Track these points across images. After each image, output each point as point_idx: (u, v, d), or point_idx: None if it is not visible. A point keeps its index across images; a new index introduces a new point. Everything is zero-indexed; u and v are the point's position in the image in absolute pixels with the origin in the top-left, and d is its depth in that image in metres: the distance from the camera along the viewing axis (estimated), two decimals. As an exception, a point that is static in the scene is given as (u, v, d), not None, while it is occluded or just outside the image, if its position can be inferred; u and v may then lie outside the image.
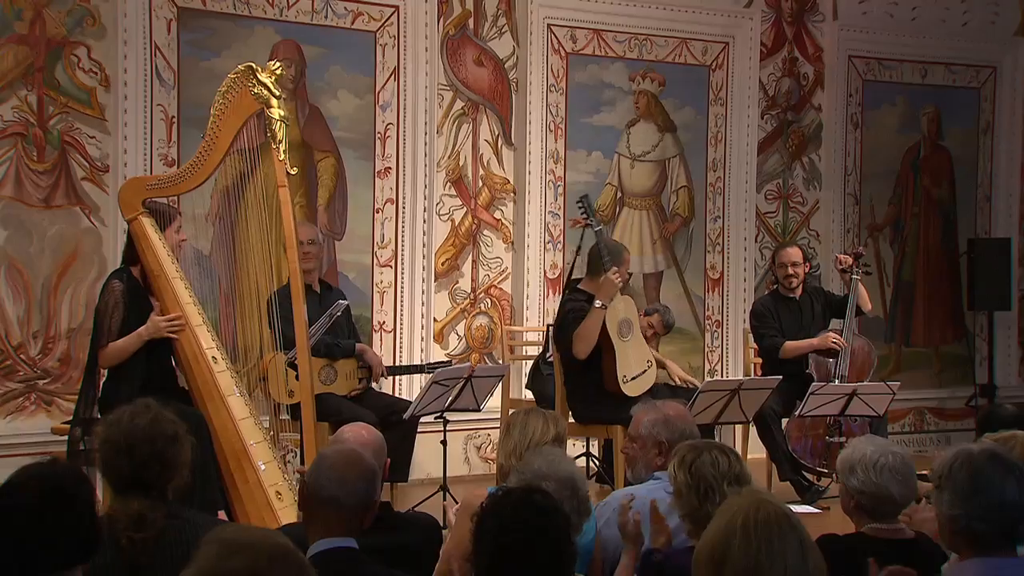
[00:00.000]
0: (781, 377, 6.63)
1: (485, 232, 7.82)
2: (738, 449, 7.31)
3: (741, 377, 7.39)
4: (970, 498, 2.81)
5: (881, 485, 3.39)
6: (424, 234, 7.52)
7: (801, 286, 7.31)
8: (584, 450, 7.37)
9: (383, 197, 7.46)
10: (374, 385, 6.48)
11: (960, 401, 9.32)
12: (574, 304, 6.40)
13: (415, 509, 5.65)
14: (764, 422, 6.80)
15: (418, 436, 6.38)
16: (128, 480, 3.16)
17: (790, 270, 7.24)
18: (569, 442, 7.03)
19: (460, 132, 7.72)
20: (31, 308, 6.47)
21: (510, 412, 6.60)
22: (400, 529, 3.57)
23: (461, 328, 7.76)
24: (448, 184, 7.68)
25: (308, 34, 7.21)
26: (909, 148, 9.32)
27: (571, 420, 6.61)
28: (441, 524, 3.85)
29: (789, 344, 7.07)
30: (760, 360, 7.54)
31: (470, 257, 7.78)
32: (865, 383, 6.84)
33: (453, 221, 7.71)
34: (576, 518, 3.40)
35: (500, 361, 7.63)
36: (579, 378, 6.45)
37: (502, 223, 7.87)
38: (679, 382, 7.15)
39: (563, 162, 8.02)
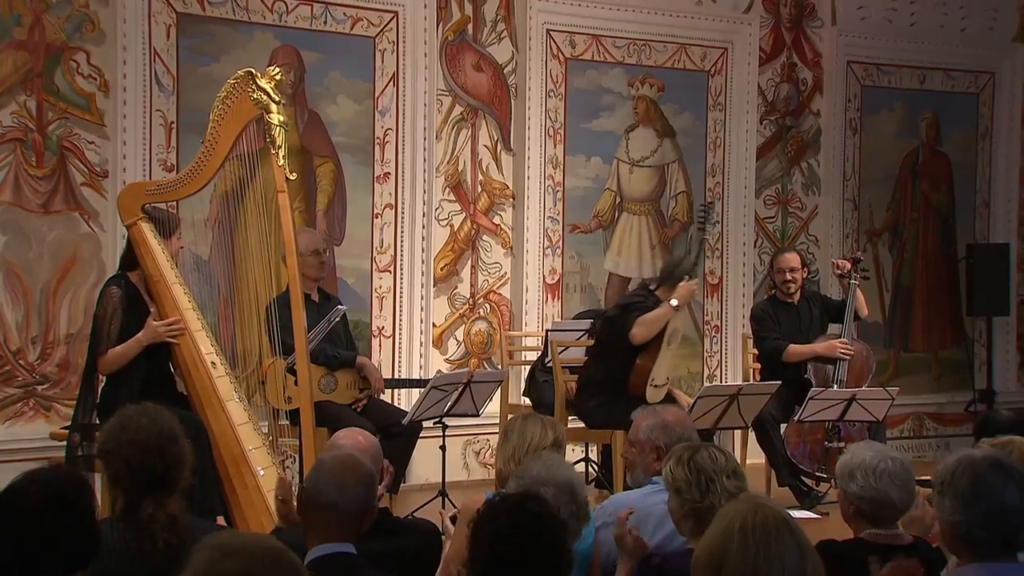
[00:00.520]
0: (780, 383, 6.63)
1: (484, 237, 7.83)
2: (737, 454, 7.33)
3: (740, 383, 7.38)
4: (971, 504, 2.81)
5: (881, 491, 3.38)
6: (423, 239, 7.52)
7: (799, 291, 7.31)
8: (583, 455, 7.37)
9: (382, 202, 7.46)
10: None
11: (959, 406, 9.32)
12: (643, 302, 6.58)
13: (414, 515, 5.65)
14: (763, 427, 6.80)
15: (417, 441, 6.37)
16: (158, 480, 3.12)
17: (788, 275, 7.24)
18: (568, 447, 7.06)
19: (459, 137, 7.72)
20: (30, 313, 6.47)
21: (508, 417, 6.59)
22: (399, 535, 3.57)
23: (460, 333, 7.76)
24: (447, 189, 7.69)
25: (307, 39, 7.21)
26: (908, 153, 9.33)
27: (569, 425, 6.62)
28: (440, 530, 3.84)
29: (794, 347, 7.05)
30: (759, 365, 7.54)
31: (469, 262, 7.79)
32: (864, 388, 6.84)
33: (452, 226, 7.71)
34: (575, 523, 3.39)
35: (499, 366, 7.63)
36: (604, 369, 6.52)
37: (501, 228, 7.87)
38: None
39: (562, 167, 8.02)
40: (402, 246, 7.49)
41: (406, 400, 7.13)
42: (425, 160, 7.52)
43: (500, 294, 7.88)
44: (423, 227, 7.52)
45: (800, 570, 2.39)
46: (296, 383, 5.44)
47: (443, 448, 6.16)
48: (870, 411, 6.62)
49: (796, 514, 6.02)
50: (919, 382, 9.26)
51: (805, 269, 7.44)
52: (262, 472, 5.16)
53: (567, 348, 6.95)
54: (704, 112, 8.52)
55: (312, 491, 3.09)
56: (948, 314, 9.42)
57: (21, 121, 6.43)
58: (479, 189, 7.80)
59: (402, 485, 6.46)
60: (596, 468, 7.23)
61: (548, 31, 7.94)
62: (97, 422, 5.19)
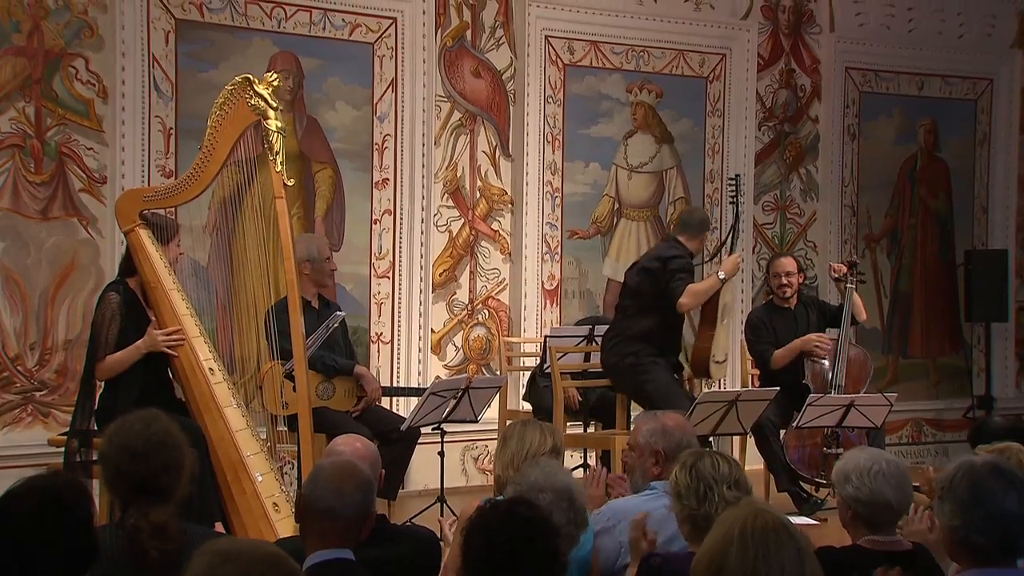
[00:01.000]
0: (778, 388, 6.63)
1: (483, 243, 7.83)
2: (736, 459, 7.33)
3: (739, 389, 7.38)
4: (970, 509, 2.81)
5: (876, 491, 3.39)
6: (422, 245, 7.53)
7: (796, 296, 7.32)
8: (582, 461, 7.37)
9: (380, 208, 7.46)
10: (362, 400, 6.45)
11: (958, 413, 9.32)
12: (683, 257, 6.54)
13: (412, 521, 5.65)
14: (762, 432, 6.80)
15: (416, 447, 6.37)
16: (138, 486, 3.12)
17: (783, 280, 7.25)
18: (567, 452, 7.05)
19: (458, 143, 7.73)
20: (28, 320, 6.47)
21: (507, 423, 6.59)
22: (397, 541, 3.56)
23: (459, 339, 7.76)
24: (446, 195, 7.69)
25: (306, 46, 7.22)
26: (906, 160, 9.34)
27: (568, 431, 6.61)
28: (439, 536, 3.84)
29: (778, 353, 7.07)
30: (758, 371, 7.54)
31: (468, 268, 7.79)
32: (862, 394, 6.84)
33: (451, 232, 7.71)
34: (573, 530, 3.39)
35: (498, 372, 7.63)
36: (643, 323, 6.51)
37: (500, 234, 7.87)
38: None
39: (561, 173, 8.03)
40: (401, 252, 7.49)
41: (404, 406, 7.12)
42: (424, 166, 7.52)
43: (499, 300, 7.88)
44: (422, 233, 7.52)
45: (799, 575, 2.39)
46: (294, 389, 5.44)
47: (441, 454, 6.16)
48: (868, 417, 6.62)
49: (795, 520, 6.01)
50: (917, 388, 9.26)
51: (801, 274, 7.45)
52: (260, 478, 5.15)
53: (566, 354, 6.95)
54: (702, 118, 8.52)
55: (310, 497, 3.09)
56: (946, 320, 9.42)
57: (20, 127, 6.43)
58: (478, 195, 7.80)
59: (400, 491, 6.46)
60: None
61: (547, 37, 7.95)
62: (95, 428, 5.19)
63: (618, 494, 4.22)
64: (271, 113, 5.27)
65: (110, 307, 5.29)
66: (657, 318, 6.52)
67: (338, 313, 6.27)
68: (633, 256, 8.16)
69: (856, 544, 3.45)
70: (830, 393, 6.90)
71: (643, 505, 3.83)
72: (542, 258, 7.93)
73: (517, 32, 7.87)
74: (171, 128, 6.78)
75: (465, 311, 7.78)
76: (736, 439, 7.29)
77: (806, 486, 6.90)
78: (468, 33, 7.74)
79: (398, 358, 7.46)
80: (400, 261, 7.49)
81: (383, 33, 7.45)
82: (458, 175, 7.73)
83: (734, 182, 7.24)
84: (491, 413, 6.72)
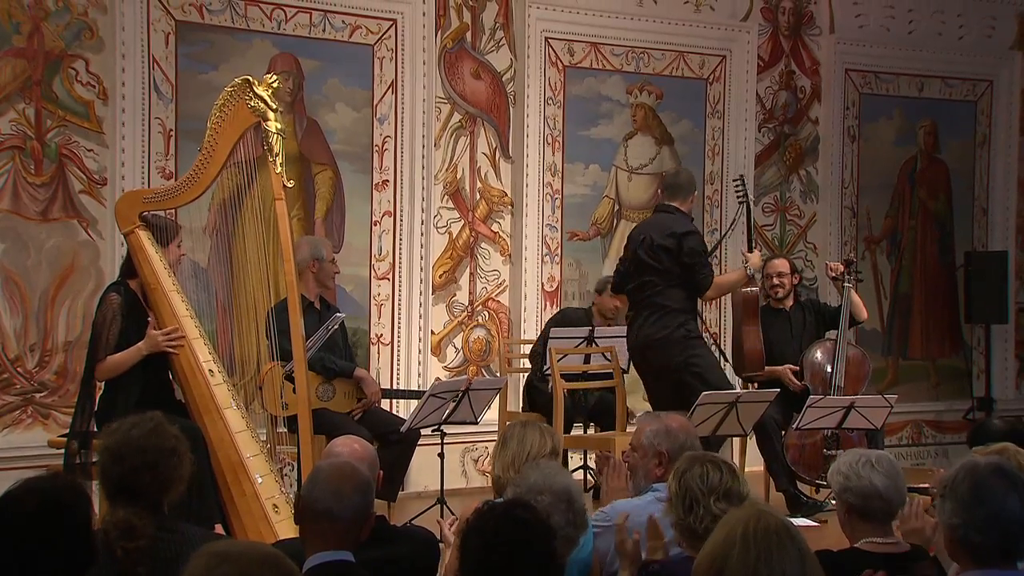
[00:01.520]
0: (778, 390, 6.65)
1: (483, 245, 7.83)
2: (735, 461, 7.33)
3: (739, 390, 7.38)
4: (971, 509, 2.81)
5: (864, 478, 3.41)
6: (422, 247, 7.53)
7: (791, 297, 7.33)
8: (582, 463, 7.36)
9: (380, 210, 7.46)
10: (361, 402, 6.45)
11: (958, 414, 9.32)
12: (696, 237, 6.55)
13: (412, 522, 5.64)
14: (764, 431, 6.80)
15: (416, 449, 6.37)
16: (117, 487, 3.17)
17: (775, 280, 7.28)
18: (568, 454, 7.06)
19: (458, 145, 7.73)
20: (28, 321, 6.47)
21: (506, 425, 6.59)
22: (397, 542, 3.56)
23: (459, 341, 7.76)
24: (446, 197, 7.69)
25: (306, 47, 7.22)
26: (906, 161, 9.34)
27: (573, 431, 6.60)
28: (439, 538, 3.84)
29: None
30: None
31: (468, 270, 7.79)
32: (862, 396, 6.85)
33: (451, 234, 7.71)
34: (572, 531, 3.39)
35: (497, 374, 7.63)
36: (668, 297, 6.48)
37: (500, 236, 7.87)
38: None
39: (561, 175, 8.03)
40: (400, 254, 7.49)
41: (404, 408, 7.12)
42: (423, 168, 7.52)
43: (499, 301, 7.88)
44: (421, 235, 7.52)
45: (801, 577, 2.40)
46: (294, 390, 5.44)
47: (441, 456, 6.16)
48: (868, 419, 6.62)
49: (796, 522, 6.02)
50: (917, 390, 9.26)
51: (796, 276, 7.48)
52: (260, 480, 5.15)
53: (566, 355, 6.95)
54: (702, 120, 8.53)
55: (308, 499, 3.09)
56: (946, 322, 9.42)
57: (20, 129, 6.43)
58: (478, 197, 7.80)
59: (400, 493, 6.46)
60: (595, 476, 7.22)
61: (547, 39, 7.95)
62: (95, 430, 5.19)
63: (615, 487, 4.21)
64: (271, 115, 5.27)
65: (111, 308, 5.30)
66: (687, 290, 6.51)
67: (338, 315, 6.28)
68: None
69: (854, 547, 3.45)
70: (829, 394, 6.90)
71: (646, 506, 3.83)
72: (542, 260, 7.93)
73: (517, 34, 7.87)
74: (171, 129, 6.78)
75: (465, 313, 7.78)
76: (736, 440, 7.29)
77: (805, 488, 6.91)
78: (468, 35, 7.74)
79: (398, 360, 7.46)
80: (400, 263, 7.49)
81: (383, 35, 7.45)
82: (458, 177, 7.73)
83: (739, 182, 7.26)
84: (491, 415, 6.72)
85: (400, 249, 7.49)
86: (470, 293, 7.80)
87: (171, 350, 5.26)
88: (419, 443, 6.35)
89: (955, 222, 9.51)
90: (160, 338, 5.24)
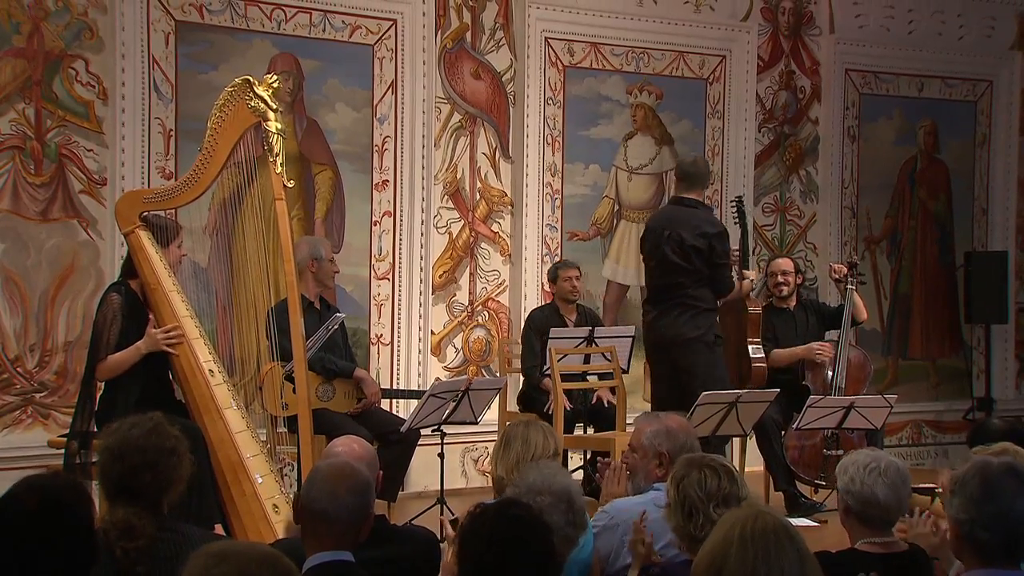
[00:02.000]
0: (778, 391, 6.64)
1: (483, 245, 7.83)
2: (735, 461, 7.33)
3: (739, 390, 7.38)
4: (979, 505, 2.82)
5: (868, 486, 3.40)
6: (422, 247, 7.53)
7: (794, 297, 7.34)
8: (582, 463, 7.35)
9: (380, 210, 7.46)
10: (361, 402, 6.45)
11: (958, 414, 9.32)
12: (725, 237, 6.59)
13: (412, 522, 5.64)
14: (764, 431, 6.80)
15: (416, 449, 6.37)
16: (117, 487, 3.17)
17: (780, 278, 7.29)
18: (570, 454, 7.06)
19: (458, 145, 7.73)
20: (28, 321, 6.47)
21: (507, 424, 6.59)
22: (397, 542, 3.56)
23: (459, 341, 7.76)
24: (446, 197, 7.69)
25: (306, 47, 7.22)
26: (906, 161, 9.34)
27: (575, 431, 6.59)
28: (439, 537, 3.84)
29: (777, 353, 7.11)
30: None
31: (468, 270, 7.79)
32: (863, 396, 6.85)
33: (451, 234, 7.71)
34: (572, 531, 3.39)
35: (497, 374, 7.63)
36: (708, 296, 6.55)
37: (500, 236, 7.87)
38: None
39: (560, 175, 8.03)
40: (400, 254, 7.49)
41: (404, 408, 7.12)
42: (423, 168, 7.52)
43: (499, 301, 7.88)
44: (421, 235, 7.52)
45: (799, 576, 2.40)
46: (294, 391, 5.44)
47: (441, 456, 6.15)
48: (868, 419, 6.62)
49: (795, 522, 6.00)
50: (917, 390, 9.26)
51: (799, 275, 7.48)
52: (260, 480, 5.15)
53: (565, 356, 6.94)
54: (702, 120, 8.53)
55: (305, 500, 3.10)
56: (946, 322, 9.42)
57: (20, 129, 6.43)
58: (477, 197, 7.80)
59: (400, 493, 6.46)
60: (594, 475, 7.21)
61: (546, 39, 7.95)
62: (95, 430, 5.19)
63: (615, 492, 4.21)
64: (271, 115, 5.27)
65: (111, 308, 5.30)
66: (711, 290, 6.54)
67: (338, 315, 6.28)
68: (633, 259, 8.16)
69: (852, 548, 3.46)
70: (830, 394, 6.91)
71: (646, 505, 3.82)
72: (542, 260, 7.93)
73: (517, 34, 7.87)
74: (171, 130, 6.78)
75: (465, 313, 7.78)
76: (736, 440, 7.29)
77: (805, 488, 6.91)
78: (468, 35, 7.74)
79: (398, 360, 7.47)
80: (400, 263, 7.49)
81: (383, 35, 7.45)
82: (458, 177, 7.73)
83: (737, 203, 7.26)
84: (491, 415, 6.72)
85: (400, 249, 7.49)
86: (470, 293, 7.80)
87: (169, 349, 5.26)
88: (419, 443, 6.35)
89: (955, 222, 9.51)
90: (159, 336, 5.25)
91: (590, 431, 7.23)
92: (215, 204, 6.51)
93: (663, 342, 6.55)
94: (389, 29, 7.46)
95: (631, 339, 7.16)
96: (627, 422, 6.81)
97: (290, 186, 5.34)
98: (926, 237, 9.41)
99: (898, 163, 9.30)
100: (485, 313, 7.84)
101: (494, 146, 7.85)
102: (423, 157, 7.52)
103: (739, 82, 8.57)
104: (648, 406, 7.31)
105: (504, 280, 7.89)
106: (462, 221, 7.75)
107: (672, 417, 4.29)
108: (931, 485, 4.54)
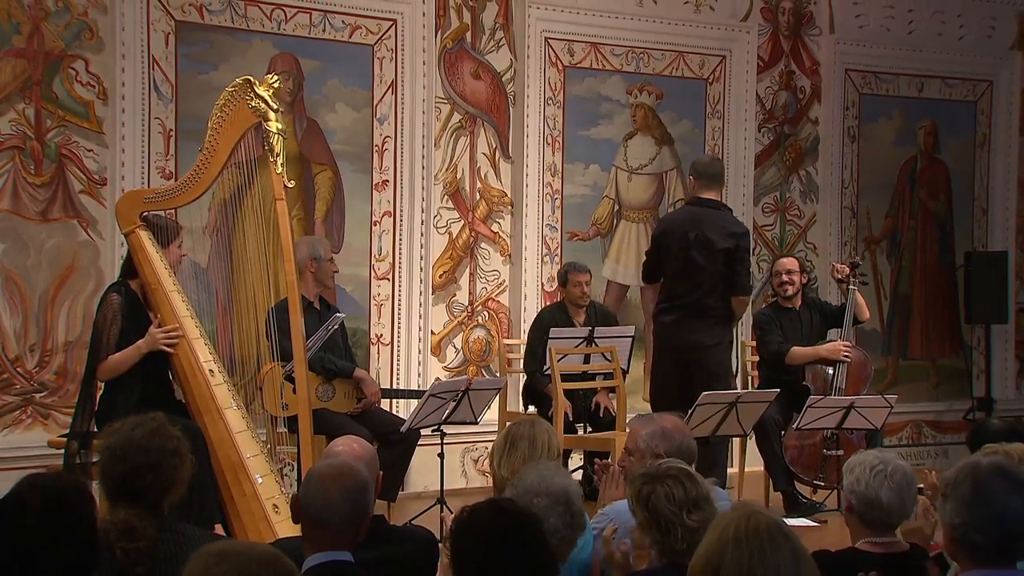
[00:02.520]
0: (778, 390, 6.65)
1: (483, 245, 7.83)
2: (735, 461, 7.34)
3: (739, 390, 7.38)
4: (972, 508, 2.82)
5: (872, 488, 3.40)
6: (421, 247, 7.53)
7: (799, 297, 7.33)
8: (582, 463, 7.35)
9: (380, 210, 7.46)
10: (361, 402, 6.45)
11: (958, 414, 9.32)
12: (748, 238, 6.73)
13: (412, 522, 5.64)
14: (764, 431, 6.81)
15: (416, 449, 6.37)
16: (119, 487, 3.17)
17: (784, 278, 7.29)
18: (571, 454, 7.06)
19: (458, 145, 7.73)
20: (28, 321, 6.47)
21: (507, 424, 6.58)
22: (396, 542, 3.57)
23: (459, 341, 7.76)
24: (446, 197, 7.69)
25: (306, 47, 7.22)
26: (906, 161, 9.34)
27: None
28: (438, 537, 3.84)
29: (797, 350, 7.09)
30: (757, 373, 7.56)
31: (467, 270, 7.79)
32: (863, 396, 6.85)
33: (451, 234, 7.71)
34: (570, 532, 3.38)
35: (497, 374, 7.63)
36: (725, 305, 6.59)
37: (500, 236, 7.87)
38: None
39: (560, 175, 8.03)
40: (400, 254, 7.49)
41: (404, 408, 7.13)
42: (423, 168, 7.52)
43: (499, 302, 7.88)
44: (421, 235, 7.52)
45: (795, 574, 2.40)
46: (295, 391, 5.44)
47: (441, 456, 6.15)
48: (868, 419, 6.62)
49: (794, 522, 6.04)
50: (917, 390, 9.26)
51: (804, 275, 7.46)
52: (260, 480, 5.15)
53: (566, 356, 6.95)
54: (702, 120, 8.53)
55: (303, 502, 3.10)
56: (946, 322, 9.42)
57: (20, 129, 6.43)
58: (477, 197, 7.80)
59: (400, 493, 6.46)
60: (593, 475, 7.20)
61: (546, 39, 7.95)
62: (95, 430, 5.19)
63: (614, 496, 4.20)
64: (272, 115, 5.28)
65: (111, 308, 5.30)
66: (728, 293, 6.56)
67: (338, 315, 6.28)
68: (633, 259, 8.17)
69: (853, 547, 3.46)
70: (830, 395, 6.90)
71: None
72: (542, 260, 7.93)
73: (517, 34, 7.87)
74: (171, 130, 6.78)
75: (465, 313, 7.78)
76: (735, 440, 7.29)
77: (804, 489, 6.91)
78: (468, 35, 7.74)
79: (398, 360, 7.47)
80: (400, 263, 7.49)
81: (383, 35, 7.45)
82: (458, 177, 7.73)
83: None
84: (491, 415, 6.72)
85: (400, 249, 7.49)
86: (470, 293, 7.80)
87: (168, 348, 5.26)
88: (419, 443, 6.36)
89: (955, 222, 9.51)
90: (159, 336, 5.25)
91: (588, 431, 7.23)
92: (215, 204, 6.52)
93: (684, 347, 6.57)
94: (389, 29, 7.46)
95: (631, 339, 7.17)
96: (627, 422, 6.81)
97: (291, 186, 5.34)
98: (926, 237, 9.41)
99: (898, 163, 9.30)
100: (485, 313, 7.84)
101: (494, 146, 7.85)
102: (423, 157, 7.52)
103: (739, 82, 8.57)
104: (648, 406, 7.30)
105: (504, 280, 7.89)
106: (462, 221, 7.75)
107: (667, 418, 4.29)
108: (919, 486, 4.55)
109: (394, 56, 7.46)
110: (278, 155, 5.27)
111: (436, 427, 6.08)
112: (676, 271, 6.61)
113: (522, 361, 7.40)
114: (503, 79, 7.86)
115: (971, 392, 9.36)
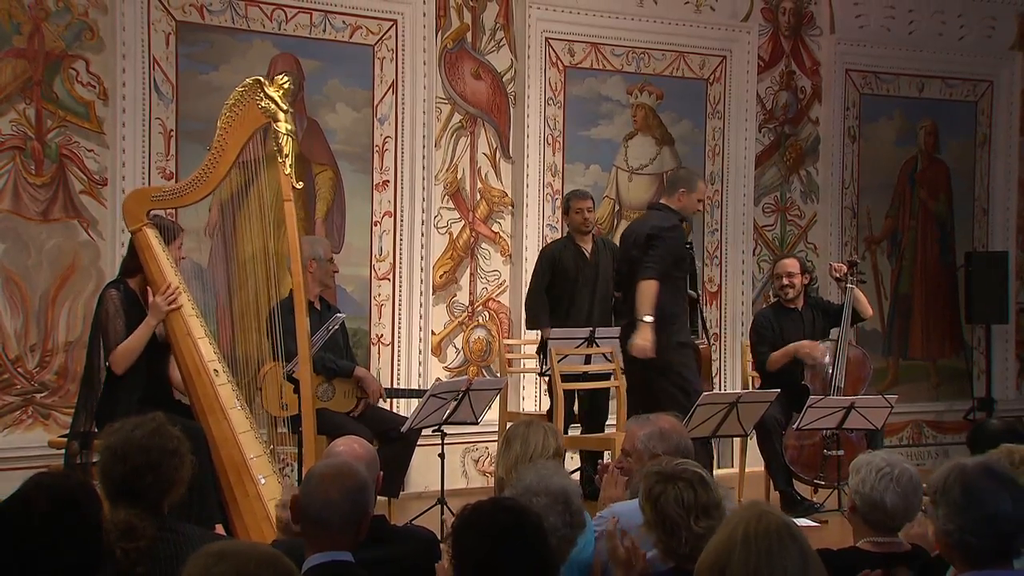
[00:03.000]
0: (779, 390, 6.64)
1: (483, 245, 7.83)
2: (736, 462, 7.34)
3: (739, 391, 7.38)
4: (963, 512, 2.82)
5: (877, 490, 3.40)
6: (422, 247, 7.53)
7: (802, 297, 7.32)
8: (580, 465, 7.34)
9: (381, 210, 7.46)
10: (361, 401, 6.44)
11: (958, 414, 9.32)
12: (671, 234, 6.40)
13: (412, 522, 5.64)
14: (765, 430, 6.80)
15: (416, 449, 6.38)
16: (119, 487, 3.18)
17: (785, 280, 7.29)
18: (568, 455, 7.05)
19: (458, 145, 7.73)
20: (28, 321, 6.47)
21: (508, 425, 6.59)
22: (397, 542, 3.57)
23: (459, 341, 7.76)
24: (446, 197, 7.69)
25: (306, 47, 7.22)
26: (906, 161, 9.34)
27: (569, 432, 6.57)
28: (439, 537, 3.84)
29: (774, 355, 7.12)
30: (758, 373, 7.56)
31: (468, 270, 7.79)
32: (863, 396, 6.85)
33: (451, 234, 7.71)
34: (570, 532, 3.38)
35: (498, 374, 7.63)
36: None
37: (500, 236, 7.87)
38: None
39: (561, 175, 8.03)
40: (401, 254, 7.49)
41: (405, 407, 7.13)
42: (424, 168, 7.52)
43: (499, 302, 7.88)
44: (422, 235, 7.52)
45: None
46: (295, 391, 5.45)
47: (442, 456, 6.15)
48: (869, 419, 6.62)
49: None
50: (918, 390, 9.26)
51: (806, 276, 7.45)
52: (263, 480, 5.15)
53: (566, 356, 6.95)
54: (703, 120, 8.53)
55: (302, 502, 3.10)
56: (947, 322, 9.42)
57: (20, 129, 6.43)
58: (478, 197, 7.80)
59: (401, 492, 6.45)
60: (593, 476, 7.20)
61: (547, 39, 7.95)
62: (95, 431, 5.19)
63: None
64: (281, 116, 5.29)
65: (112, 303, 5.31)
66: (671, 290, 6.40)
67: (339, 315, 6.28)
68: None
69: (854, 547, 3.46)
70: (830, 395, 6.90)
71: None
72: (542, 260, 7.92)
73: (517, 34, 7.87)
74: (171, 130, 6.78)
75: (465, 313, 7.78)
76: (736, 440, 7.30)
77: (805, 488, 6.91)
78: (468, 35, 7.74)
79: (398, 360, 7.46)
80: (400, 263, 7.49)
81: (383, 35, 7.45)
82: (458, 177, 7.73)
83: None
84: (491, 415, 6.72)
85: (400, 249, 7.49)
86: (470, 293, 7.80)
87: (173, 307, 5.25)
88: (420, 443, 6.36)
89: (955, 222, 9.51)
90: (161, 302, 5.24)
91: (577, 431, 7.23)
92: (216, 204, 6.52)
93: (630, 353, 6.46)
94: (389, 29, 7.46)
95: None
96: (626, 423, 6.81)
97: (299, 188, 5.35)
98: (926, 237, 9.41)
99: (898, 163, 9.30)
100: (485, 313, 7.84)
101: (494, 146, 7.85)
102: (423, 157, 7.52)
103: (739, 82, 8.57)
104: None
105: (504, 280, 7.89)
106: (462, 221, 7.75)
107: (664, 418, 4.29)
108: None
109: (394, 56, 7.46)
110: (287, 156, 5.27)
111: (437, 427, 6.08)
112: (624, 279, 6.65)
113: (523, 303, 7.38)
114: (503, 79, 7.85)
115: (971, 392, 9.36)
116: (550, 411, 6.92)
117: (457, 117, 7.72)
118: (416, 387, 7.23)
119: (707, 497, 3.27)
